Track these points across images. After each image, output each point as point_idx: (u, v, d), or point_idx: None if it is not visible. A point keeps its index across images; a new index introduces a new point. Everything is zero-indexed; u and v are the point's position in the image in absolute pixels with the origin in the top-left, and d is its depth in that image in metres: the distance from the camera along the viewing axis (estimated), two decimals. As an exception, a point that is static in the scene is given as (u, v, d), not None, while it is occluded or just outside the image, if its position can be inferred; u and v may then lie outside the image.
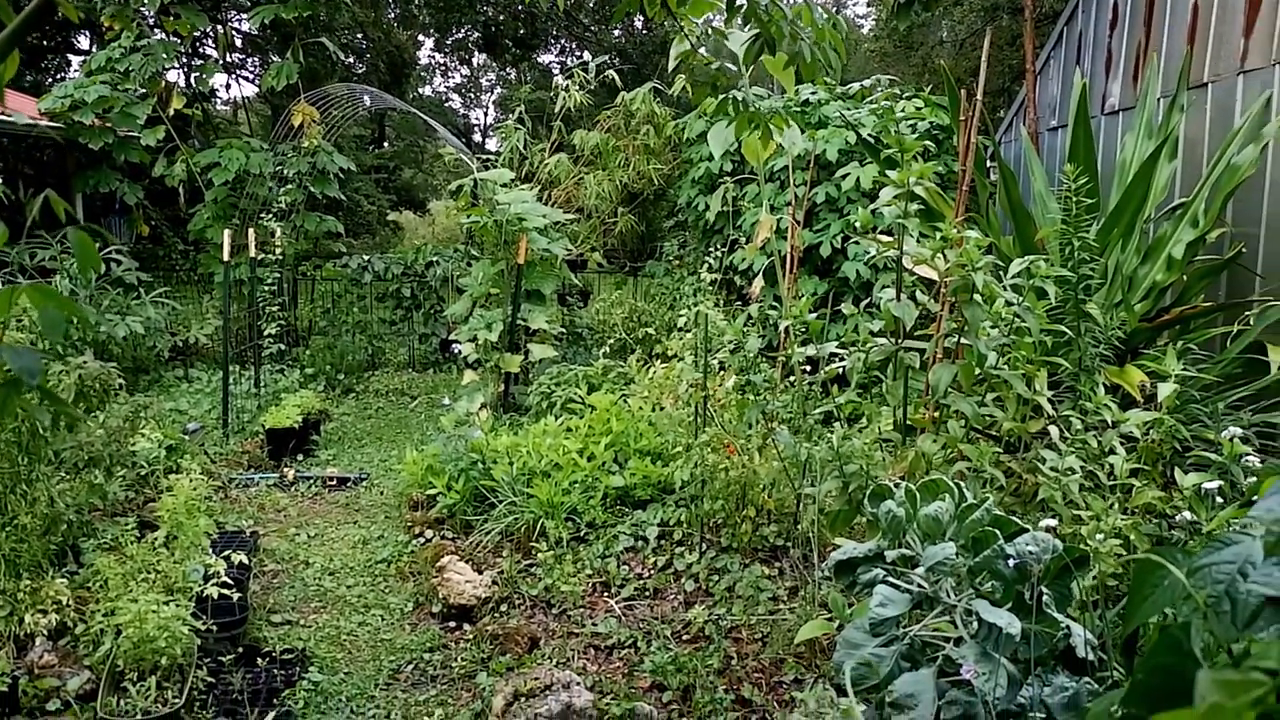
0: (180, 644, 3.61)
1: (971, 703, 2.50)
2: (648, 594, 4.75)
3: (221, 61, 14.03)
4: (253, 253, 8.92)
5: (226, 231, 7.99)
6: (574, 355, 8.94)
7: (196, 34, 14.63)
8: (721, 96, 3.51)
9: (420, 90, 34.17)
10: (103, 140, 10.51)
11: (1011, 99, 9.67)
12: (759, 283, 6.36)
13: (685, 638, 4.28)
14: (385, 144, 28.39)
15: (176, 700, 3.47)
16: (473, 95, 40.10)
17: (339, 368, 10.11)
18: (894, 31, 18.13)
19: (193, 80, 13.65)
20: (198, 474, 5.05)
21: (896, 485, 2.94)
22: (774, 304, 7.03)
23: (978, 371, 3.71)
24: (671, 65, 4.42)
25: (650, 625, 4.39)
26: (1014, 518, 2.74)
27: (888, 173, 3.86)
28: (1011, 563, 2.53)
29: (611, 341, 8.53)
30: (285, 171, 10.54)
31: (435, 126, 10.47)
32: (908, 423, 4.10)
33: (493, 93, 38.96)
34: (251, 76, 21.55)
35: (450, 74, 38.59)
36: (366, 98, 12.72)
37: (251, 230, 8.87)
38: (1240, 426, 3.50)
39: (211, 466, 6.65)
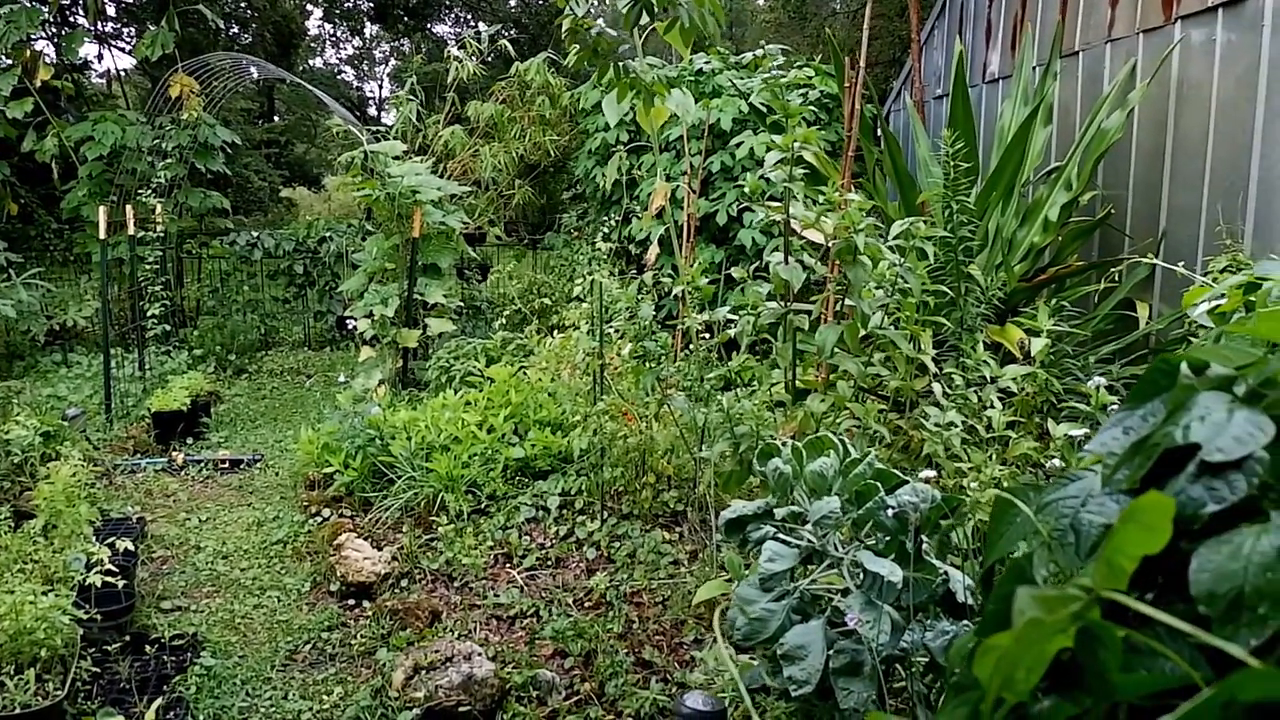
0: (61, 635, 3.47)
1: (859, 650, 2.58)
2: (550, 563, 4.76)
3: (92, 30, 13.27)
4: (132, 230, 8.55)
5: (103, 209, 7.62)
6: (473, 329, 8.86)
7: (65, 1, 13.84)
8: (603, 63, 3.50)
9: (311, 62, 33.00)
10: (-39, 114, 9.88)
11: (902, 69, 9.88)
12: (654, 250, 6.39)
13: (587, 605, 4.31)
14: (275, 118, 27.40)
15: (58, 692, 3.34)
16: (366, 67, 38.94)
17: (230, 348, 9.80)
18: (787, 2, 18.28)
19: (61, 50, 12.91)
20: (78, 460, 4.83)
21: (784, 444, 3.00)
22: (670, 272, 7.07)
23: (863, 331, 3.80)
24: (565, 33, 4.38)
25: (552, 594, 4.40)
26: (900, 472, 2.83)
27: (774, 138, 3.91)
28: (892, 513, 2.62)
29: (508, 313, 8.47)
30: (164, 145, 10.09)
31: (322, 97, 10.15)
32: (799, 384, 4.18)
33: (386, 65, 37.94)
34: (128, 48, 20.51)
35: (342, 45, 37.34)
36: (254, 69, 12.25)
37: (130, 207, 8.49)
38: (1109, 378, 3.68)
39: (94, 453, 6.38)
